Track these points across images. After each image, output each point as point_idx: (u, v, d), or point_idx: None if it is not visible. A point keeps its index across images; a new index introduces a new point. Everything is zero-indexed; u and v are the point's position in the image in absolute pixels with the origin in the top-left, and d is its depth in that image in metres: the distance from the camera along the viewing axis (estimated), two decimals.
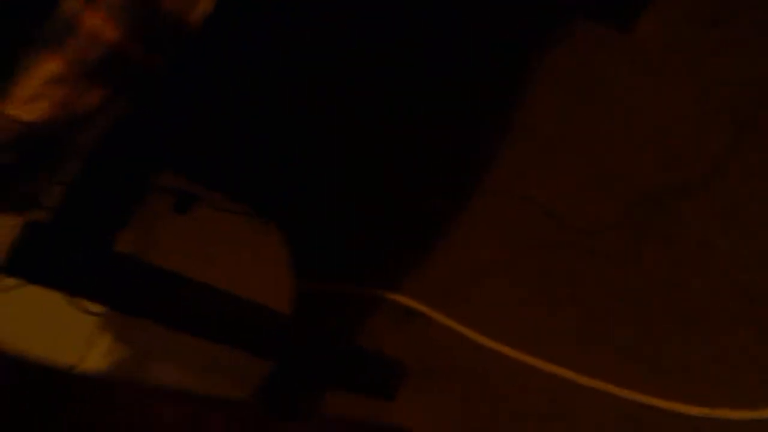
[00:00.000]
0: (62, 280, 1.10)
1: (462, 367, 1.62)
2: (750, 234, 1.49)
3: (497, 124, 1.69)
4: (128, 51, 0.94)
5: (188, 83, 1.26)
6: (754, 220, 1.50)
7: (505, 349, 1.58)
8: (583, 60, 1.68)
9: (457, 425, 1.58)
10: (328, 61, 1.69)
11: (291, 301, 1.71)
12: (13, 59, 0.92)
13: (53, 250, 1.08)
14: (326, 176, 1.79)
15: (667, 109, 1.63)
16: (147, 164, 1.33)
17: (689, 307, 1.45)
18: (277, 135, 1.81)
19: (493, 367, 1.58)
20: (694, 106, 1.61)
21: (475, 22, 1.75)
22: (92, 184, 1.13)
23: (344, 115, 1.80)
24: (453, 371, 1.63)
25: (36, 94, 0.92)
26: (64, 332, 1.50)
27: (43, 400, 0.90)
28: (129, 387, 1.33)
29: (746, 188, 1.53)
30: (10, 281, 1.14)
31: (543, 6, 1.73)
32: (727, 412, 1.35)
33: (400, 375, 1.68)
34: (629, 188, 1.57)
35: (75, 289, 1.17)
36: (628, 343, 1.46)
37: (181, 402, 1.22)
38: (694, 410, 1.37)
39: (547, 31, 1.71)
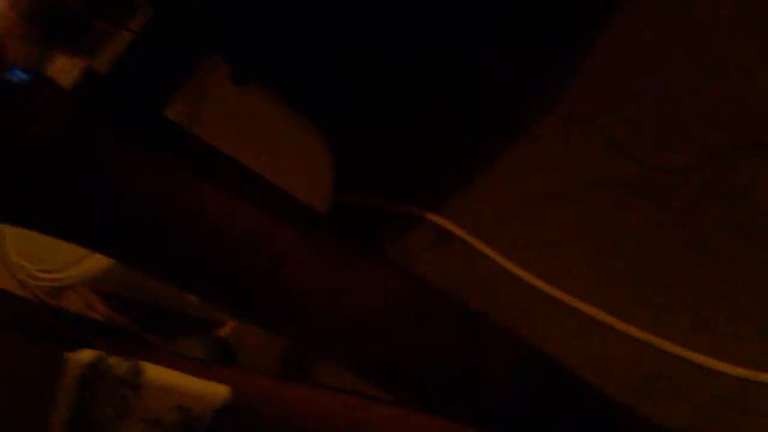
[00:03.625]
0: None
1: (495, 297, 1.56)
2: None
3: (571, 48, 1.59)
4: None
5: None
6: None
7: (544, 287, 1.51)
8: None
9: None
10: None
11: (328, 206, 1.64)
12: None
13: (105, 103, 0.99)
14: (378, 84, 1.70)
15: (758, 59, 1.52)
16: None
17: (739, 272, 1.38)
18: (333, 35, 1.72)
19: (528, 304, 1.52)
20: None
21: None
22: (152, 40, 1.04)
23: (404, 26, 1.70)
24: (483, 299, 1.56)
25: None
26: None
27: None
28: None
29: None
30: None
31: None
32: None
33: None
34: (704, 139, 1.48)
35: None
36: (673, 297, 1.39)
37: None
38: (740, 371, 1.31)
39: None
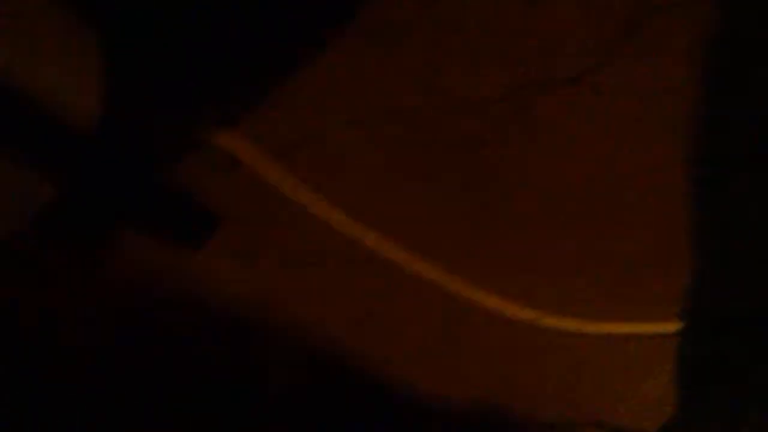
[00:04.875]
0: None
1: (283, 226, 1.45)
2: (616, 140, 1.40)
3: None
4: None
5: None
6: (622, 127, 1.41)
7: (337, 217, 1.41)
8: None
9: (264, 287, 1.41)
10: None
11: (94, 121, 1.45)
12: None
13: None
14: None
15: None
16: None
17: (536, 205, 1.35)
18: None
19: (317, 231, 1.42)
20: None
21: None
22: None
23: None
24: (270, 229, 1.45)
25: None
26: None
27: None
28: None
29: (621, 92, 1.43)
30: None
31: None
32: (555, 320, 1.26)
33: (209, 224, 1.48)
34: (514, 70, 1.42)
35: None
36: (466, 230, 1.34)
37: None
38: (525, 314, 1.27)
39: None
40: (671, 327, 1.24)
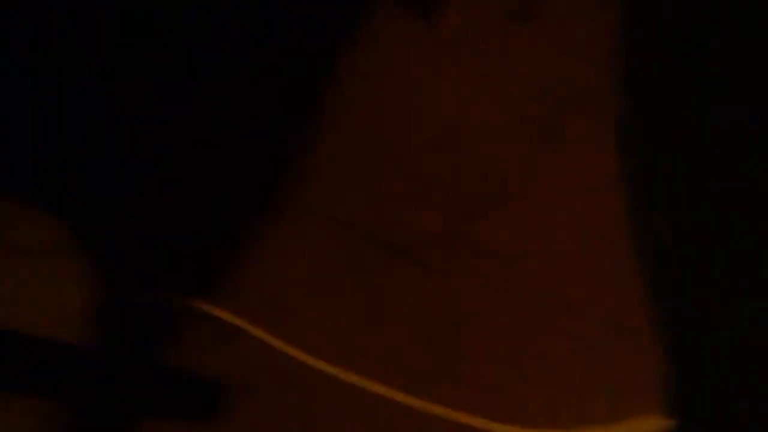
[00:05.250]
0: None
1: (285, 386, 1.51)
2: (559, 242, 1.47)
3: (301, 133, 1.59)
4: None
5: None
6: (561, 228, 1.48)
7: (331, 369, 1.48)
8: (386, 62, 1.58)
9: None
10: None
11: (92, 318, 1.52)
12: None
13: None
14: (132, 169, 1.61)
15: (473, 115, 1.57)
16: None
17: (511, 323, 1.41)
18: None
19: (317, 386, 1.48)
20: (500, 112, 1.56)
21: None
22: None
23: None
24: (276, 391, 1.51)
25: None
26: None
27: None
28: None
29: (552, 195, 1.50)
30: None
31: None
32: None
33: (217, 395, 1.55)
34: (445, 197, 1.50)
35: None
36: (454, 363, 1.40)
37: None
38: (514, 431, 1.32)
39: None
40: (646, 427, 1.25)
